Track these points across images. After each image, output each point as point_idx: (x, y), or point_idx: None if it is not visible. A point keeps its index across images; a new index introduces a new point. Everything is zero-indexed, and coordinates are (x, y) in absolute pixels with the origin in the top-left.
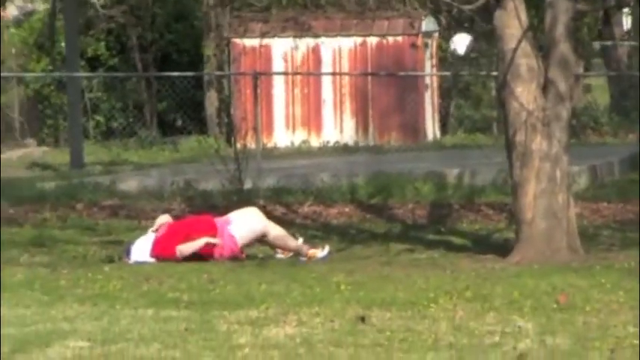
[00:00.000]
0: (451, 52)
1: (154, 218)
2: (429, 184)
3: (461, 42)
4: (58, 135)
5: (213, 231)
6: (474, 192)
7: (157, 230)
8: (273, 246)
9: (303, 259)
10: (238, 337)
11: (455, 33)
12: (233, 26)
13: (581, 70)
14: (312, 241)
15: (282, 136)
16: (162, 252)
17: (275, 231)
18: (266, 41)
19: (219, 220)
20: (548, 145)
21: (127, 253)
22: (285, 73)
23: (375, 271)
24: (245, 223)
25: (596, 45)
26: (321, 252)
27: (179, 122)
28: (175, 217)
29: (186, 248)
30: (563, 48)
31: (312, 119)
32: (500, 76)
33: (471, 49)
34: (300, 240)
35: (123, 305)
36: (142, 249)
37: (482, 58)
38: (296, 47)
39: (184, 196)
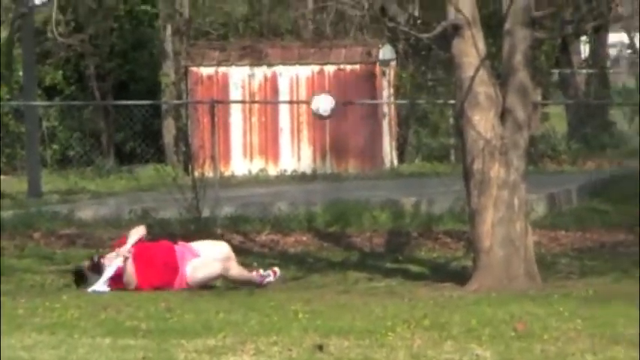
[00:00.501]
0: (314, 112)
1: (111, 247)
2: (387, 212)
3: (323, 102)
4: (15, 163)
5: (172, 258)
6: (431, 220)
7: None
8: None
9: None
10: None
11: (316, 94)
12: (190, 54)
13: (539, 98)
14: (269, 269)
15: (240, 165)
16: (119, 285)
17: (234, 271)
18: (223, 69)
19: (180, 249)
20: (505, 172)
21: (84, 279)
22: (243, 102)
23: (333, 299)
24: (205, 267)
25: (554, 73)
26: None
27: (137, 151)
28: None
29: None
30: (522, 76)
31: (270, 147)
32: (458, 104)
33: (334, 111)
34: (261, 272)
35: (81, 334)
36: (100, 278)
37: (440, 87)
38: (253, 75)
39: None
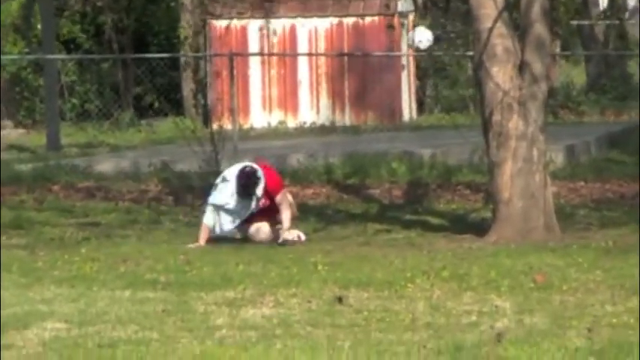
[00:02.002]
0: (412, 45)
1: (131, 200)
2: (405, 164)
3: (422, 36)
4: (34, 117)
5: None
6: (450, 172)
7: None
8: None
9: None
10: (215, 318)
11: (417, 25)
12: (209, 7)
13: (557, 50)
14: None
15: (259, 117)
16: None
17: (263, 235)
18: (242, 22)
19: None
20: (524, 124)
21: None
22: (261, 54)
23: (352, 251)
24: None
25: (573, 24)
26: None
27: (155, 104)
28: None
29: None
30: (539, 28)
31: (289, 100)
32: (476, 56)
33: (432, 43)
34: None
35: (100, 287)
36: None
37: (459, 39)
38: (272, 28)
39: (161, 178)
